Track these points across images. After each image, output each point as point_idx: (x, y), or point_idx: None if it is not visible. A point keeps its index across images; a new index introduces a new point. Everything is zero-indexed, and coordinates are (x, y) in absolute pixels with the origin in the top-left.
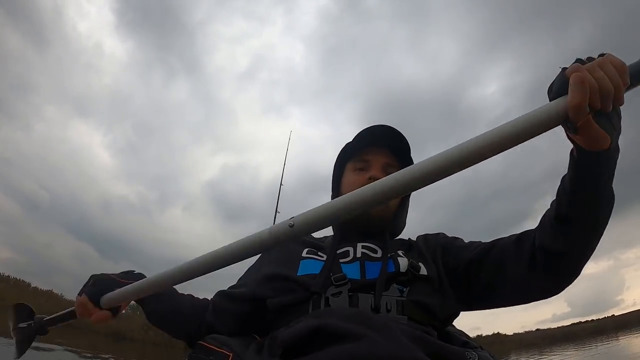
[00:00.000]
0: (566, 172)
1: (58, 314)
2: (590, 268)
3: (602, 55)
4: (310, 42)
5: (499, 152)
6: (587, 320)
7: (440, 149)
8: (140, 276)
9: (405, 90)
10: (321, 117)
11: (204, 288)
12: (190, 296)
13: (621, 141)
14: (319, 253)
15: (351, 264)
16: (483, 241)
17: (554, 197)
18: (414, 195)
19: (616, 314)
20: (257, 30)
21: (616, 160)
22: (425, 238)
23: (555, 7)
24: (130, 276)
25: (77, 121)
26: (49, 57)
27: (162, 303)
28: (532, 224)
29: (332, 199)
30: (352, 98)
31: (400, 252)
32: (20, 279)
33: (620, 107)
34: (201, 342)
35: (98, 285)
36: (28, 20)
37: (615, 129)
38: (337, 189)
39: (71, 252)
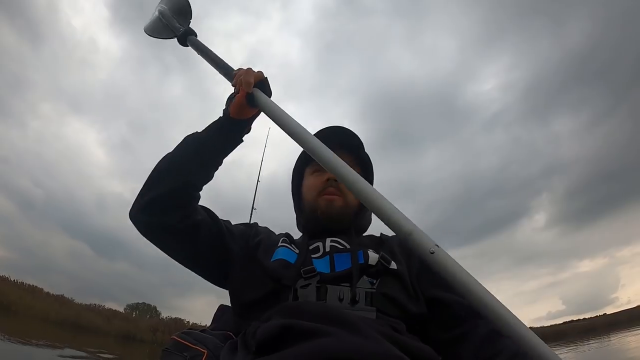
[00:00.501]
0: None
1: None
2: (585, 266)
3: None
4: (306, 37)
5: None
6: (579, 319)
7: (438, 146)
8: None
9: (402, 87)
10: (317, 113)
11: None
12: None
13: (615, 145)
14: (292, 245)
15: (321, 259)
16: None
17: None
18: (411, 192)
19: (611, 311)
20: (253, 25)
21: None
22: (400, 241)
23: (553, 4)
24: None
25: (71, 118)
26: (44, 54)
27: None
28: (527, 222)
29: (294, 208)
30: (348, 94)
31: (370, 247)
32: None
33: None
34: (175, 338)
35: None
36: (23, 16)
37: None
38: (298, 195)
39: (66, 249)
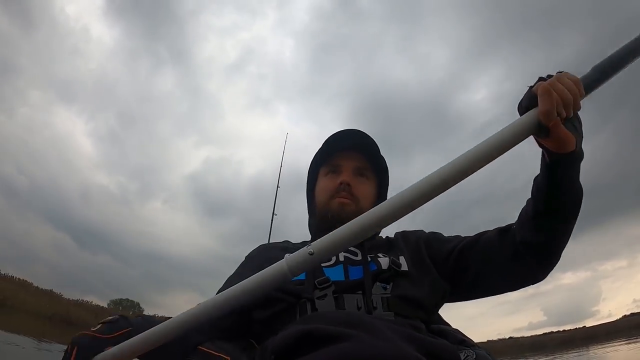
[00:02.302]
0: (538, 174)
1: None
2: (568, 278)
3: (559, 72)
4: (300, 38)
5: (483, 166)
6: (559, 330)
7: (427, 153)
8: (126, 323)
9: (394, 93)
10: (307, 115)
11: None
12: None
13: (601, 161)
14: None
15: (334, 268)
16: (465, 235)
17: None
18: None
19: (592, 324)
20: (248, 22)
21: (581, 161)
22: (403, 234)
23: (544, 18)
24: (116, 327)
25: (60, 107)
26: (36, 40)
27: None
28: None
29: (307, 204)
30: (340, 97)
31: (380, 253)
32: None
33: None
34: (200, 347)
35: (82, 351)
36: (16, 0)
37: (578, 133)
38: (311, 195)
39: (48, 240)
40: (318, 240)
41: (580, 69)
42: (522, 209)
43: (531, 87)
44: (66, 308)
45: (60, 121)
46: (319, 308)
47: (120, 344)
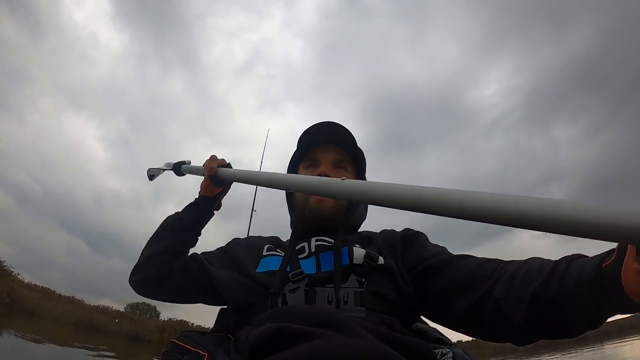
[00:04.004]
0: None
1: (192, 165)
2: None
3: None
4: (308, 37)
5: (514, 226)
6: None
7: (438, 149)
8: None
9: (403, 89)
10: (317, 114)
11: None
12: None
13: (616, 149)
14: (278, 250)
15: (308, 259)
16: (449, 250)
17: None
18: None
19: (613, 319)
20: (255, 24)
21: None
22: (385, 232)
23: (555, 12)
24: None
25: (71, 113)
26: (45, 47)
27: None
28: (521, 234)
29: (287, 201)
30: (349, 95)
31: (356, 245)
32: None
33: None
34: (174, 341)
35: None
36: (24, 9)
37: None
38: (290, 193)
39: (62, 245)
40: (357, 181)
41: (592, 62)
42: (523, 269)
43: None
44: (88, 314)
45: (71, 127)
46: (289, 301)
47: (241, 170)
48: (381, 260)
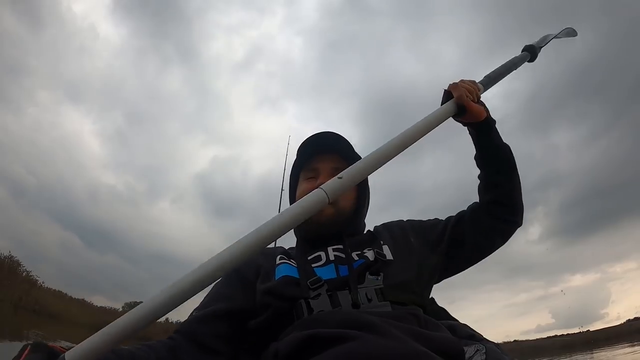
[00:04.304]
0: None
1: None
2: (577, 280)
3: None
4: (309, 35)
5: (413, 143)
6: (562, 335)
7: (437, 152)
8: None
9: (403, 90)
10: (316, 114)
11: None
12: (147, 347)
13: (612, 160)
14: (291, 259)
15: (325, 267)
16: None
17: (480, 177)
18: (404, 198)
19: (601, 327)
20: (255, 20)
21: (495, 124)
22: (385, 225)
23: (554, 15)
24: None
25: (68, 106)
26: (43, 39)
27: None
28: (522, 234)
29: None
30: (349, 95)
31: (365, 249)
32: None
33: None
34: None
35: (38, 351)
36: (23, 0)
37: (484, 106)
38: (293, 200)
39: (56, 239)
40: (348, 168)
41: (592, 67)
42: (478, 185)
43: (445, 89)
44: (100, 316)
45: (68, 121)
46: (314, 307)
47: (90, 338)
48: (389, 254)
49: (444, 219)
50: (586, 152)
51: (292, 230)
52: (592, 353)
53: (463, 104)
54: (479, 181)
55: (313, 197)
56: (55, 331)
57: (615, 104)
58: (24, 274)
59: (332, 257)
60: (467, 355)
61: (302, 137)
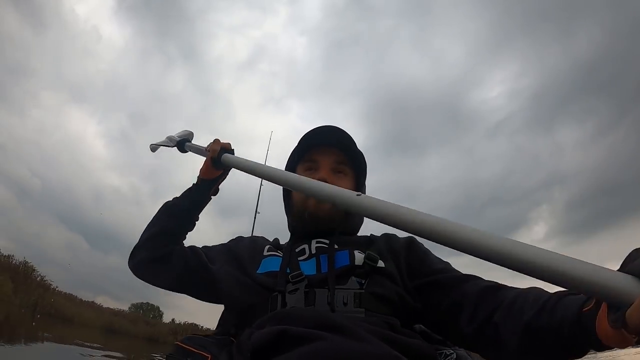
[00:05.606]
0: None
1: (197, 145)
2: None
3: None
4: (313, 35)
5: (507, 267)
6: None
7: (442, 151)
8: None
9: (407, 90)
10: (320, 113)
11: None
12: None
13: (620, 154)
14: (278, 251)
15: (308, 261)
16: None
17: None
18: (412, 197)
19: None
20: (259, 20)
21: None
22: (387, 236)
23: (561, 12)
24: None
25: (72, 108)
26: (46, 41)
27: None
28: (526, 232)
29: (284, 203)
30: (353, 95)
31: (356, 249)
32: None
33: None
34: (178, 343)
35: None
36: (26, 1)
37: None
38: (288, 196)
39: (61, 241)
40: (372, 198)
41: (598, 65)
42: (521, 298)
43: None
44: (109, 318)
45: (72, 122)
46: (289, 302)
47: (245, 159)
48: (381, 262)
49: (451, 266)
50: (591, 150)
51: (287, 224)
52: (596, 353)
53: (630, 325)
54: (525, 318)
55: (346, 191)
56: (71, 334)
57: (620, 100)
58: (39, 278)
59: (313, 250)
60: None
61: (300, 133)
